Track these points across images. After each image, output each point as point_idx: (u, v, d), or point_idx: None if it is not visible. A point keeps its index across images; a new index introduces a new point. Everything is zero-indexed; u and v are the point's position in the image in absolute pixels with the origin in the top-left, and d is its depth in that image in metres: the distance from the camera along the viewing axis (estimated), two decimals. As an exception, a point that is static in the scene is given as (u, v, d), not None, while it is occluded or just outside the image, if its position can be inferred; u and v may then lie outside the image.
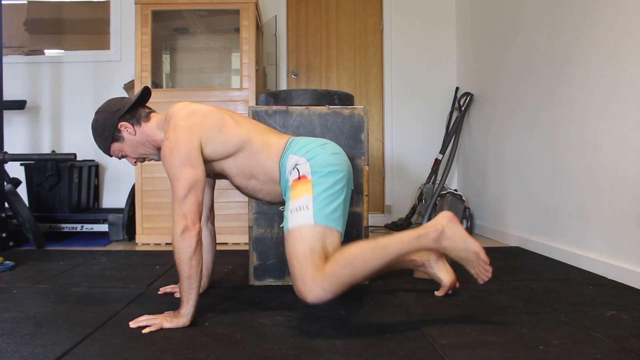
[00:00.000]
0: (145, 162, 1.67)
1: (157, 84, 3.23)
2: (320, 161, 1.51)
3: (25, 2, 3.87)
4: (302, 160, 1.51)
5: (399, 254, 1.42)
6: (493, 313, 1.53)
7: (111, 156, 1.63)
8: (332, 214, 1.44)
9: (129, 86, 3.44)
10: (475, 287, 1.85)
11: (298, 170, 1.50)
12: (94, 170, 3.52)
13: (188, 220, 1.39)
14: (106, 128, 1.55)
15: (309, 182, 1.47)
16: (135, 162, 1.64)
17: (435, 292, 1.74)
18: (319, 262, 1.36)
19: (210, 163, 1.55)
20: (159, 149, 1.61)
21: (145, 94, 1.60)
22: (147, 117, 1.59)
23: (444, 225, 1.43)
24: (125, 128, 1.56)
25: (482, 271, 1.44)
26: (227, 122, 1.55)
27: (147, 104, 1.65)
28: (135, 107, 1.58)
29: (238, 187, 1.65)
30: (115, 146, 1.59)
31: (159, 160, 1.64)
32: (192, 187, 1.41)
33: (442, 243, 1.43)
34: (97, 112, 1.59)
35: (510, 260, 2.39)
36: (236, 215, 2.95)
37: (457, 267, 2.14)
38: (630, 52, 1.94)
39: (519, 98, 2.86)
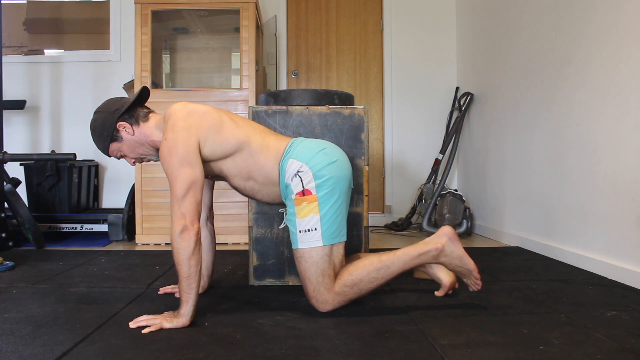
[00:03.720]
0: (144, 162, 1.67)
1: (156, 84, 3.22)
2: (324, 172, 1.54)
3: (25, 1, 3.87)
4: (304, 168, 1.54)
5: (401, 271, 1.55)
6: (493, 313, 1.53)
7: (110, 156, 1.63)
8: (338, 230, 1.55)
9: (128, 86, 3.44)
10: (475, 287, 1.85)
11: (301, 179, 1.53)
12: (93, 170, 3.52)
13: (187, 220, 1.39)
14: (105, 128, 1.55)
15: (314, 201, 1.53)
16: (134, 162, 1.63)
17: (435, 292, 1.74)
18: (329, 282, 1.52)
19: (208, 163, 1.55)
20: (157, 149, 1.61)
21: (144, 93, 1.60)
22: (146, 117, 1.59)
23: (444, 244, 1.55)
24: (124, 128, 1.56)
25: (474, 283, 1.60)
26: (226, 122, 1.55)
27: (146, 104, 1.65)
28: (133, 107, 1.57)
29: (236, 188, 1.65)
30: (113, 146, 1.58)
31: (157, 160, 1.64)
32: (191, 187, 1.41)
33: (439, 259, 1.57)
34: (95, 112, 1.58)
35: (510, 260, 2.39)
36: (236, 215, 2.95)
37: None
38: (630, 52, 1.94)
39: (519, 98, 2.86)
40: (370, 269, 1.53)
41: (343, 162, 1.60)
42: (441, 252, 1.55)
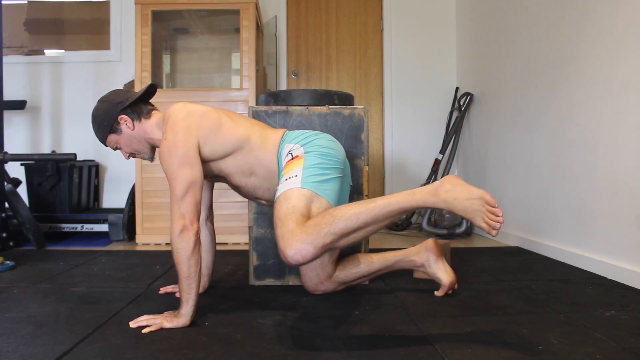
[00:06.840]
0: (137, 158, 1.68)
1: (157, 84, 3.22)
2: (314, 144, 1.55)
3: (25, 2, 3.87)
4: (296, 146, 1.56)
5: (388, 209, 1.31)
6: (493, 313, 1.53)
7: (106, 146, 1.64)
8: (321, 184, 1.46)
9: (129, 86, 3.44)
10: (475, 287, 1.85)
11: (292, 154, 1.54)
12: (94, 170, 3.52)
13: (186, 220, 1.39)
14: (106, 118, 1.56)
15: (301, 158, 1.51)
16: (128, 156, 1.65)
17: (435, 292, 1.74)
18: (301, 218, 1.32)
19: (208, 163, 1.55)
20: (153, 147, 1.63)
21: (150, 90, 1.61)
22: (149, 114, 1.60)
23: (442, 180, 1.34)
24: (125, 122, 1.56)
25: (492, 218, 1.26)
26: (225, 122, 1.55)
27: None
28: (138, 102, 1.58)
29: (237, 187, 1.65)
30: (111, 137, 1.59)
31: (150, 159, 1.66)
32: (190, 186, 1.41)
33: (441, 196, 1.31)
34: (99, 101, 1.59)
35: (510, 260, 2.39)
36: (236, 215, 2.95)
37: (456, 268, 2.14)
38: (629, 51, 1.94)
39: (518, 98, 2.86)
40: (351, 203, 1.36)
41: (336, 144, 1.61)
42: (439, 187, 1.32)
